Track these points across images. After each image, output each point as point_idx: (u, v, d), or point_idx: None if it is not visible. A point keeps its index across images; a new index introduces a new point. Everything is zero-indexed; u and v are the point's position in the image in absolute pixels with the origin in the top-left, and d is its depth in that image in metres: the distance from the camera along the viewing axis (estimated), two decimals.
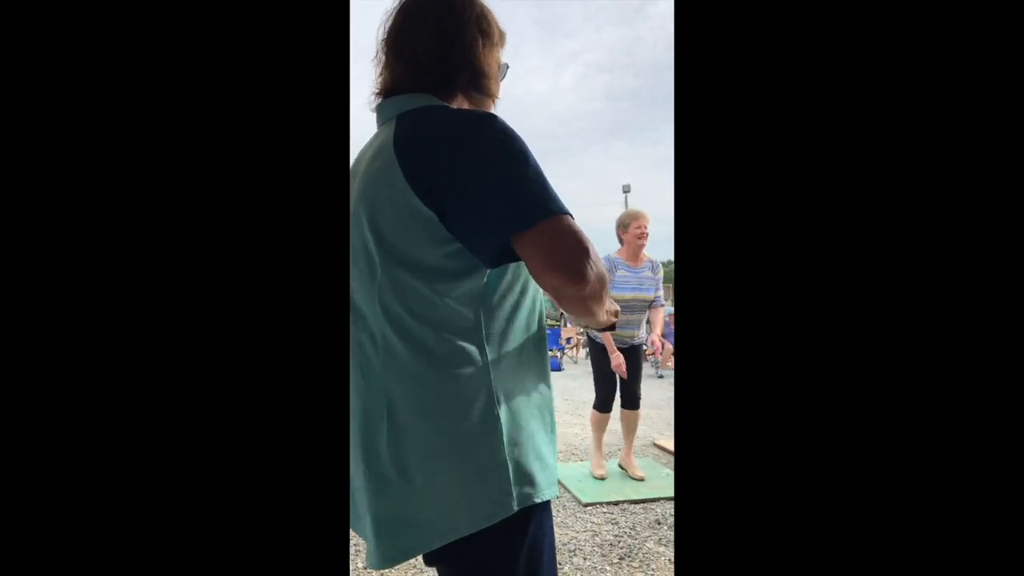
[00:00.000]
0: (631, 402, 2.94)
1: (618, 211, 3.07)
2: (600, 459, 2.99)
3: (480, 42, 0.75)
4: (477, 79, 0.76)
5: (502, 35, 0.80)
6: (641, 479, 2.89)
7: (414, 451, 0.67)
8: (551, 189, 0.63)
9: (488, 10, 0.78)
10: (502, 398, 0.69)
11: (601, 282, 0.64)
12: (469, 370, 0.68)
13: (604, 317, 0.71)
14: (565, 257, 0.61)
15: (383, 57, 0.77)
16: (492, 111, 0.81)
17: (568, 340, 9.41)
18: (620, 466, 3.07)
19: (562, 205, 0.62)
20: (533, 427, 0.72)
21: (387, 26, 0.77)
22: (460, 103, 0.78)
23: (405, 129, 0.68)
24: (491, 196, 0.62)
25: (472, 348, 0.68)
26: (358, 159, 0.78)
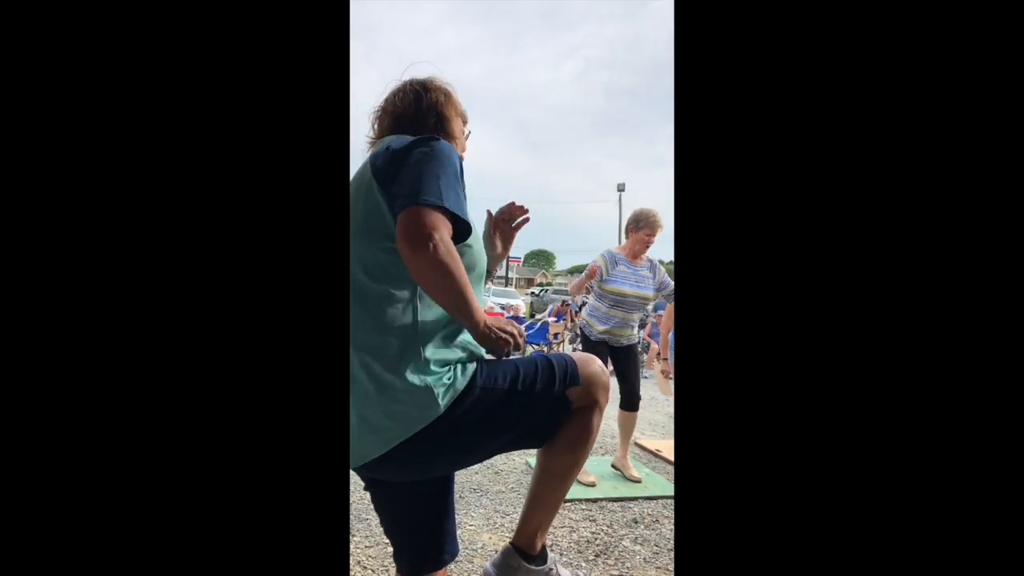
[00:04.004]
0: (631, 403, 2.77)
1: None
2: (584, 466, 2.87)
3: (443, 101, 1.11)
4: (441, 123, 1.10)
5: (462, 112, 1.15)
6: (638, 480, 2.72)
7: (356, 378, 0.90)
8: (447, 188, 0.85)
9: (450, 91, 1.13)
10: (427, 345, 0.90)
11: (447, 262, 0.81)
12: (401, 316, 0.90)
13: (472, 315, 0.87)
14: (412, 233, 0.80)
15: (378, 116, 1.13)
16: None
17: (556, 335, 9.46)
18: (614, 466, 2.89)
19: (443, 201, 0.83)
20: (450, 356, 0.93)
21: (383, 99, 1.13)
22: None
23: (377, 148, 1.00)
24: (405, 179, 0.87)
25: (405, 295, 0.90)
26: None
